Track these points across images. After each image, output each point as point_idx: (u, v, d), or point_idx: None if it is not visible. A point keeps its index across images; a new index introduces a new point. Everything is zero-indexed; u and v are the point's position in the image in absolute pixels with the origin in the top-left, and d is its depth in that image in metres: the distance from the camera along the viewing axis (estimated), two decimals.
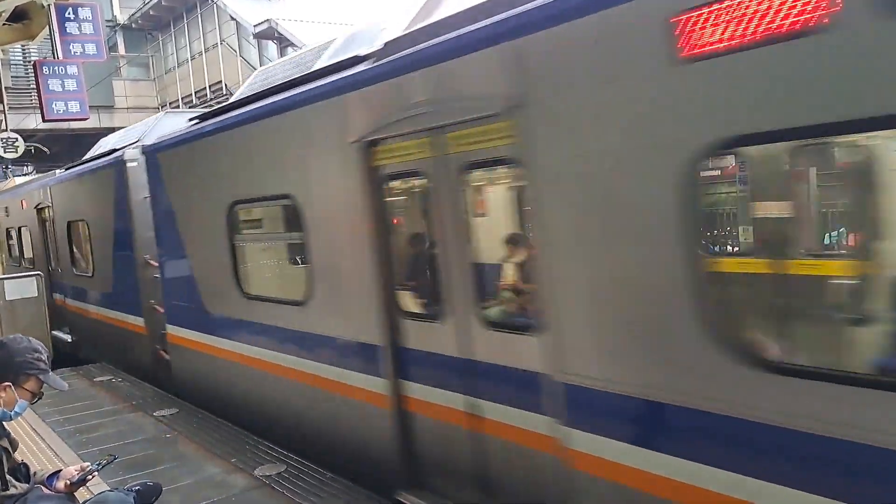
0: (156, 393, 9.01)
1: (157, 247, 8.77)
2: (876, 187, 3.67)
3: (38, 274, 11.83)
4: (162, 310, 8.95)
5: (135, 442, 7.10)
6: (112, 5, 32.33)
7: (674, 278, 3.26)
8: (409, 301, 5.28)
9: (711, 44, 2.95)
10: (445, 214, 4.61)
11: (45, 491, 3.93)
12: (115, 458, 4.28)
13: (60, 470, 4.12)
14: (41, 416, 7.95)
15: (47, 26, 11.29)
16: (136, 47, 34.17)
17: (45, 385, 3.90)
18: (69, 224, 12.12)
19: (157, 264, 8.97)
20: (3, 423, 3.86)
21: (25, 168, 31.28)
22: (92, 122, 22.86)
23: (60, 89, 11.50)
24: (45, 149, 23.38)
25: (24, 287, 11.20)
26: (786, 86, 2.79)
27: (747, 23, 2.83)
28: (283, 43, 25.59)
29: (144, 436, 7.30)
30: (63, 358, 11.21)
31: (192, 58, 31.79)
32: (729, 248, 6.33)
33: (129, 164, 9.57)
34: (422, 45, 4.57)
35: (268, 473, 6.01)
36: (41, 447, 6.97)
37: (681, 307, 3.24)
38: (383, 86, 4.87)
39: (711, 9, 2.95)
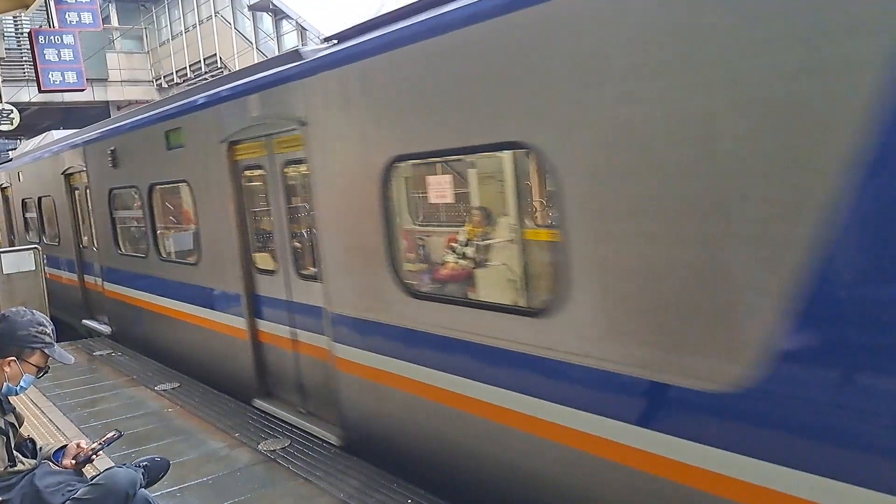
0: (157, 367, 8.98)
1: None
2: None
3: (35, 247, 11.77)
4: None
5: (137, 416, 7.08)
6: None
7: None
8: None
9: None
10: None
11: (53, 466, 3.90)
12: (121, 434, 4.24)
13: (66, 445, 4.08)
14: (41, 391, 7.92)
15: None
16: (129, 19, 33.68)
17: (50, 359, 3.85)
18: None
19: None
20: (9, 397, 3.81)
21: (19, 141, 30.96)
22: (86, 94, 22.62)
23: (57, 59, 11.33)
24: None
25: (22, 261, 11.13)
26: None
27: None
28: (279, 15, 25.27)
29: (146, 410, 7.27)
30: None
31: (187, 30, 31.36)
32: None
33: None
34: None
35: (272, 448, 6.00)
36: (42, 422, 6.95)
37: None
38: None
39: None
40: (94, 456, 3.99)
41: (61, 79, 11.37)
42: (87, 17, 11.47)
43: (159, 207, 9.04)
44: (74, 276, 12.08)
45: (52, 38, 11.28)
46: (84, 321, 12.01)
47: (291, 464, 5.66)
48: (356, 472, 5.41)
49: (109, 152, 9.51)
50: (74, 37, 11.44)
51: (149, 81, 33.97)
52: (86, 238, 11.70)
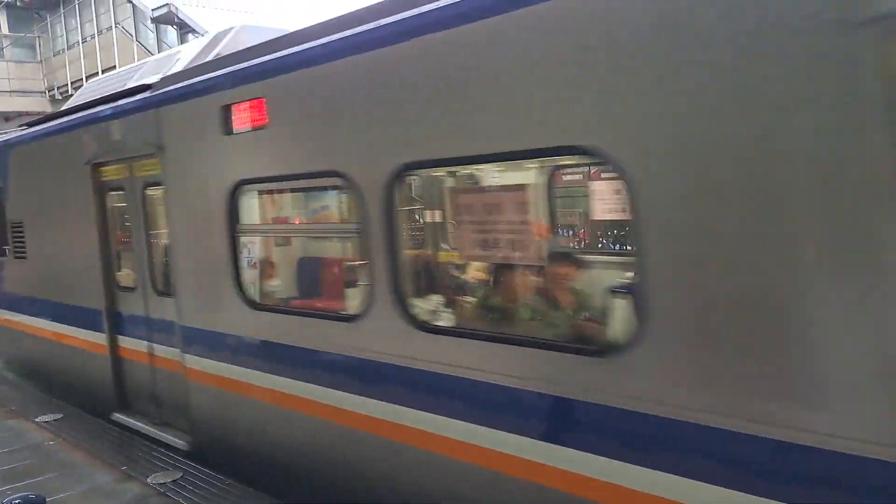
0: (38, 397, 8.43)
1: None
2: None
3: None
4: None
5: (14, 451, 6.59)
6: None
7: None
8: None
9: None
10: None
11: None
12: None
13: None
14: None
15: None
16: (22, 27, 31.97)
17: None
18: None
19: None
20: None
21: None
22: None
23: None
24: None
25: None
26: None
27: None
28: (184, 29, 24.59)
29: (25, 444, 6.79)
30: None
31: (84, 40, 30.03)
32: None
33: None
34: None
35: (162, 481, 5.71)
36: None
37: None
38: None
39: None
40: None
41: None
42: None
43: None
44: None
45: None
46: None
47: (183, 497, 5.40)
48: None
49: None
50: None
51: (41, 92, 32.28)
52: None
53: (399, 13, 3.99)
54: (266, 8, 25.92)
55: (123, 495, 5.49)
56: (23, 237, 8.69)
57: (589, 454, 3.21)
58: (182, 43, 24.96)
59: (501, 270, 4.45)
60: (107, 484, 5.73)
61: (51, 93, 32.30)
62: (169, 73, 6.48)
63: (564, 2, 3.13)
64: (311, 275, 6.05)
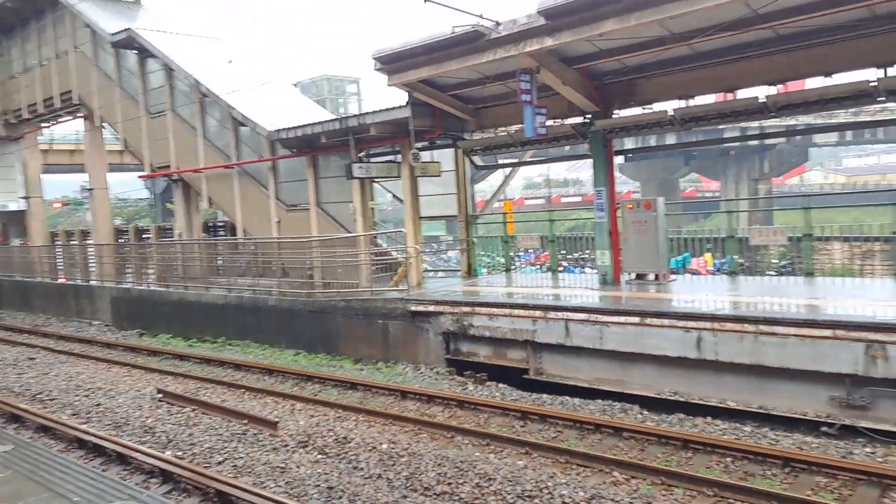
0: None
1: None
2: None
3: None
4: None
5: None
6: None
7: None
8: None
9: None
10: None
11: None
12: None
13: None
14: None
15: None
16: None
17: None
18: None
19: None
20: None
21: None
22: None
23: None
24: None
25: None
26: None
27: None
28: (144, 53, 24.37)
29: None
30: None
31: (42, 64, 29.57)
32: None
33: None
34: None
35: None
36: None
37: None
38: None
39: None
40: None
41: None
42: None
43: None
44: None
45: None
46: None
47: None
48: None
49: None
50: None
51: None
52: None
53: None
54: (228, 33, 25.88)
55: None
56: None
57: None
58: (141, 67, 24.70)
59: None
60: None
61: (5, 117, 31.70)
62: None
63: None
64: None
